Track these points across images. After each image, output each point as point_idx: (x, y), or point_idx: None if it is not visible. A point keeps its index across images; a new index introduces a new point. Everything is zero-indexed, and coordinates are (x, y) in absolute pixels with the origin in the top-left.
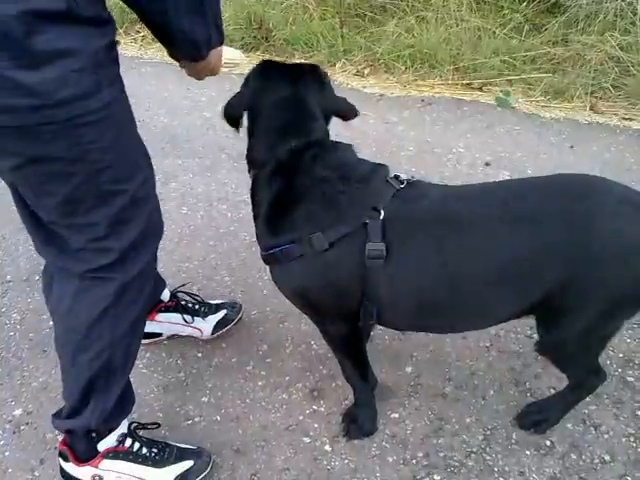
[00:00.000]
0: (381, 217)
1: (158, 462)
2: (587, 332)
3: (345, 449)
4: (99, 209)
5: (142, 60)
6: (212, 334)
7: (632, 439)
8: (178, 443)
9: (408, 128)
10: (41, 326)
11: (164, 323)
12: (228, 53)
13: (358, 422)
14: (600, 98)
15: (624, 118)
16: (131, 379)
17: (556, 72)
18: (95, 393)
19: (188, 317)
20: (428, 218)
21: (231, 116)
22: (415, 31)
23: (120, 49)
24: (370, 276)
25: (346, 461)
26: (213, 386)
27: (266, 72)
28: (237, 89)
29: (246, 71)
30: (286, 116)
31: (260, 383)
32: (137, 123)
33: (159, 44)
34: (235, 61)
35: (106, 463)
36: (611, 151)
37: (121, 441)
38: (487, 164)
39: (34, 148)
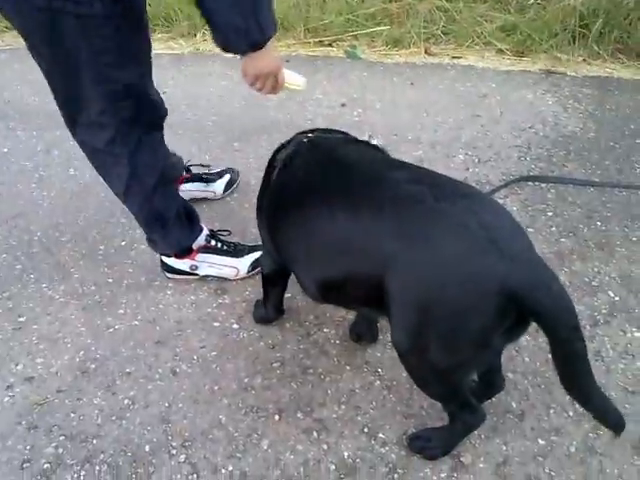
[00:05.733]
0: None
1: (237, 253)
2: (420, 348)
3: (250, 325)
4: (99, 85)
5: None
6: (224, 192)
7: None
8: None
9: None
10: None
11: (187, 191)
12: (294, 77)
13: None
14: (433, 43)
15: (453, 57)
16: None
17: (393, 24)
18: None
19: (204, 184)
20: None
21: None
22: None
23: None
24: None
25: (252, 332)
26: (127, 301)
27: None
28: None
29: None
30: None
31: (169, 292)
32: (4, 104)
33: None
34: (298, 87)
35: (200, 256)
36: (444, 83)
37: (208, 241)
38: (343, 105)
39: (52, 34)
